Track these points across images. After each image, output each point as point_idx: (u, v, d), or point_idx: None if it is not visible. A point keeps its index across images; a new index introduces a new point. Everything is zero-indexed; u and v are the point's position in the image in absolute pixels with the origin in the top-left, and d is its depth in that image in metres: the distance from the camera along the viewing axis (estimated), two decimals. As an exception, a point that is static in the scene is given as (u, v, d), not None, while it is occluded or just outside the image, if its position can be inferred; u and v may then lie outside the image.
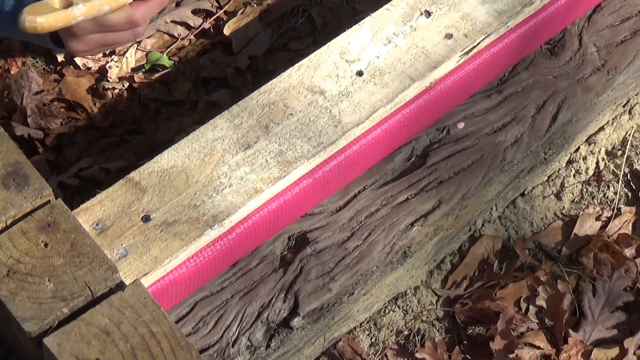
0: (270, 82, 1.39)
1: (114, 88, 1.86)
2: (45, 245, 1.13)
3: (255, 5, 2.00)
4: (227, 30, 1.95)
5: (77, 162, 1.73)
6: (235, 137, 1.33)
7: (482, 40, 1.46)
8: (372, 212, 1.45)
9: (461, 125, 1.56)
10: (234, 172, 1.29)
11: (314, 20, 1.97)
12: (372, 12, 1.49)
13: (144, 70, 1.91)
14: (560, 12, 1.60)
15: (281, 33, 1.97)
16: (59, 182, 1.68)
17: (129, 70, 1.90)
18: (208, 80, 1.89)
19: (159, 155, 1.30)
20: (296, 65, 1.41)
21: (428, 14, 1.48)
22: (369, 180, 1.48)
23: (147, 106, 1.85)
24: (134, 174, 1.28)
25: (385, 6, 1.49)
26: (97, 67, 1.90)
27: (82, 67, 1.89)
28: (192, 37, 1.96)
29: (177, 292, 1.26)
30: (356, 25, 1.46)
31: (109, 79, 1.88)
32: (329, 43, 1.44)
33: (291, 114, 1.35)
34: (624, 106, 1.81)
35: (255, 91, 1.39)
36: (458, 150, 1.53)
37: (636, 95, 1.81)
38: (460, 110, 1.57)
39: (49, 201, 1.17)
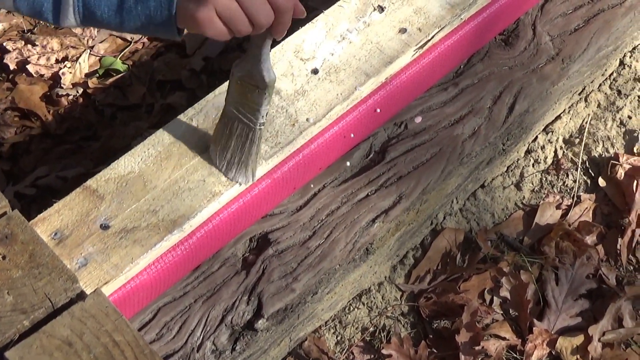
0: (225, 83, 1.39)
1: (68, 94, 1.85)
2: (3, 257, 1.12)
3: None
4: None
5: (33, 171, 1.72)
6: (192, 140, 1.33)
7: (437, 33, 1.48)
8: (333, 210, 1.46)
9: (419, 119, 1.56)
10: (191, 176, 1.29)
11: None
12: (325, 9, 1.50)
13: (97, 75, 1.90)
14: (513, 2, 1.62)
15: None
16: (15, 192, 1.67)
17: (83, 76, 1.89)
18: (163, 83, 1.88)
19: (116, 161, 1.30)
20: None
21: (381, 9, 1.49)
22: (329, 178, 1.48)
23: (102, 111, 1.85)
24: (91, 182, 1.28)
25: (338, 3, 1.50)
26: (50, 74, 1.89)
27: (34, 75, 1.88)
28: (145, 40, 1.96)
29: (139, 299, 1.26)
30: (310, 23, 1.47)
31: (62, 85, 1.87)
32: (283, 42, 1.44)
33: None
34: (579, 94, 1.83)
35: (210, 93, 1.39)
36: (416, 144, 1.54)
37: (591, 82, 1.83)
38: (417, 104, 1.58)
39: (5, 213, 1.16)
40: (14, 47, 1.90)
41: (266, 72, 1.20)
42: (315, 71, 1.41)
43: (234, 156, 1.28)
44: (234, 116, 1.25)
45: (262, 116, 1.24)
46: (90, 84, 1.87)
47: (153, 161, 1.30)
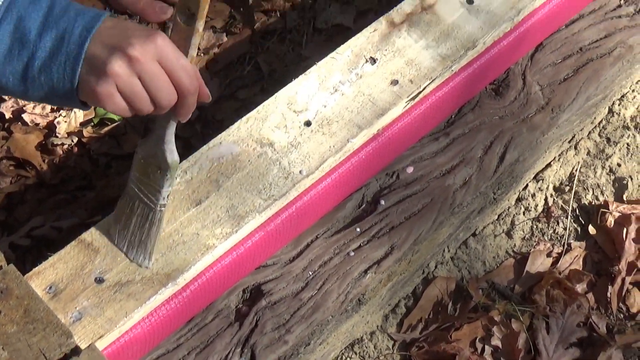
0: (219, 135, 1.41)
1: (63, 144, 1.86)
2: (-1, 312, 1.13)
3: (201, 54, 2.03)
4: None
5: (28, 221, 1.73)
6: (186, 193, 1.34)
7: (428, 85, 1.50)
8: (326, 261, 1.47)
9: (410, 169, 1.58)
10: (185, 229, 1.30)
11: (261, 68, 2.00)
12: (318, 59, 1.52)
13: (92, 124, 1.92)
14: (503, 53, 1.64)
15: (229, 82, 1.99)
16: (10, 243, 1.68)
17: (78, 125, 1.91)
18: (157, 132, 1.90)
19: (111, 214, 1.31)
20: (244, 118, 1.43)
21: (373, 61, 1.51)
22: (321, 229, 1.50)
23: (97, 161, 1.86)
24: (86, 235, 1.29)
25: (331, 54, 1.52)
26: (46, 123, 1.90)
27: (30, 124, 1.90)
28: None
29: (133, 352, 1.26)
30: (303, 74, 1.49)
31: (57, 134, 1.88)
32: (276, 94, 1.46)
33: (241, 168, 1.37)
34: (569, 142, 1.85)
35: (204, 145, 1.40)
36: (408, 194, 1.56)
37: (581, 130, 1.85)
38: (408, 154, 1.60)
39: (0, 267, 1.17)
40: (9, 96, 1.91)
41: (169, 153, 1.18)
42: (308, 123, 1.43)
43: (134, 236, 1.26)
44: (135, 195, 1.24)
45: (163, 197, 1.22)
46: (85, 133, 1.88)
47: (147, 213, 1.31)
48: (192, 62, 1.11)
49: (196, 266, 1.27)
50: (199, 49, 2.03)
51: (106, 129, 1.91)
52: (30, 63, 1.04)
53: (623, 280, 1.72)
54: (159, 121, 1.16)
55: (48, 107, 1.91)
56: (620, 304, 1.72)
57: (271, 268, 1.44)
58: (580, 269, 1.75)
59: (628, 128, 1.90)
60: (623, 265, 1.74)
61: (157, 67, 1.05)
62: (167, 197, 1.23)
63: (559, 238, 1.80)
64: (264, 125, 1.42)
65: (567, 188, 1.84)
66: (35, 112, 1.89)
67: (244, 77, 2.00)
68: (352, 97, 1.46)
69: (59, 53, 1.04)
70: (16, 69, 1.05)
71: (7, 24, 1.03)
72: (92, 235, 1.28)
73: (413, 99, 1.48)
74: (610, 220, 1.79)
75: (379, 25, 1.55)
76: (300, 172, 1.37)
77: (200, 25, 1.10)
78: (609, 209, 1.80)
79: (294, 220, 1.40)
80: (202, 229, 1.30)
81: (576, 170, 1.86)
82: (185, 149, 1.80)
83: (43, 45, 1.04)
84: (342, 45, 1.52)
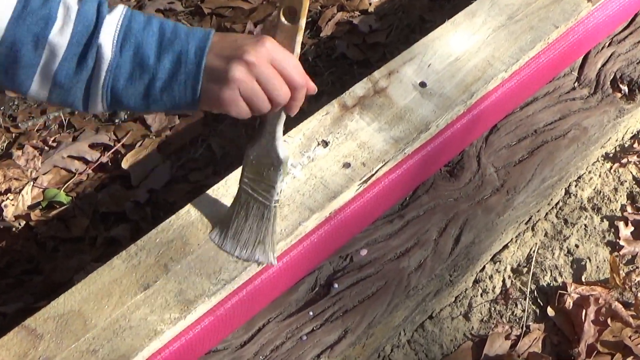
0: (169, 219, 1.44)
1: (10, 227, 1.88)
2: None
3: (153, 137, 2.07)
4: (125, 164, 2.00)
5: (-27, 306, 1.74)
6: (134, 277, 1.36)
7: (381, 167, 1.54)
8: (278, 345, 1.49)
9: (364, 252, 1.62)
10: (133, 314, 1.32)
11: (214, 150, 2.04)
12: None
13: (40, 207, 1.94)
14: (457, 135, 1.69)
15: (181, 164, 2.02)
16: (-48, 329, 1.68)
17: (25, 208, 1.93)
18: (107, 215, 1.92)
19: (56, 300, 1.33)
20: (195, 201, 1.46)
21: (325, 143, 1.56)
22: (273, 312, 1.52)
23: (44, 244, 1.87)
24: (30, 321, 1.30)
25: (283, 138, 1.57)
26: (-8, 206, 1.92)
27: (-25, 207, 1.92)
28: (89, 171, 2.01)
29: None
30: (254, 157, 1.53)
31: (4, 218, 1.90)
32: (227, 177, 1.50)
33: (191, 251, 1.40)
34: (526, 223, 1.89)
35: (154, 229, 1.43)
36: (362, 277, 1.59)
37: (537, 212, 1.90)
38: (362, 237, 1.63)
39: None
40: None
41: (281, 149, 1.29)
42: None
43: (251, 236, 1.36)
44: (249, 196, 1.34)
45: (277, 193, 1.32)
46: (32, 216, 1.90)
47: (94, 299, 1.33)
48: (298, 58, 1.22)
49: (143, 352, 1.29)
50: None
51: (54, 212, 1.93)
52: (152, 84, 1.16)
53: (582, 363, 1.75)
54: (270, 119, 1.27)
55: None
56: (580, 388, 1.75)
57: (222, 353, 1.46)
58: (540, 351, 1.78)
59: (585, 209, 1.95)
60: (582, 347, 1.77)
61: (271, 68, 1.18)
62: (281, 192, 1.33)
63: (517, 320, 1.83)
64: (214, 208, 1.45)
65: (525, 269, 1.88)
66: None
67: (197, 159, 2.03)
68: (304, 180, 1.50)
69: (178, 73, 1.16)
70: (138, 90, 1.16)
71: (127, 50, 1.14)
72: (36, 321, 1.30)
73: (365, 181, 1.52)
74: (569, 302, 1.83)
75: (332, 108, 1.61)
76: (282, 229, 1.40)
77: (303, 22, 1.21)
78: (567, 291, 1.84)
79: (244, 304, 1.42)
80: (150, 314, 1.32)
81: (534, 252, 1.90)
82: (134, 232, 1.83)
83: (162, 67, 1.15)
84: (294, 129, 1.57)
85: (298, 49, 1.22)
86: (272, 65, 1.18)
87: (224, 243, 1.38)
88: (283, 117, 1.27)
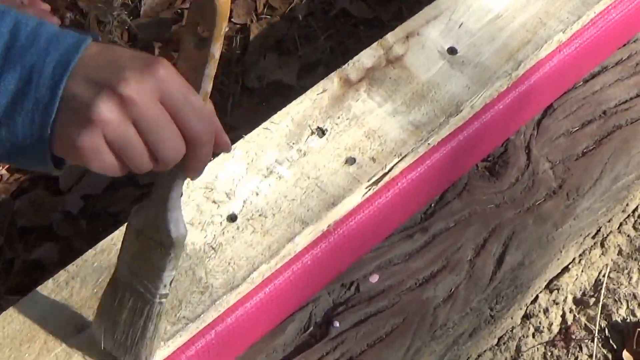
0: (111, 236, 1.43)
1: None
2: None
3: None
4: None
5: None
6: (65, 315, 1.35)
7: (396, 164, 1.53)
8: (259, 406, 1.49)
9: (375, 278, 1.61)
10: (64, 364, 1.31)
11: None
12: (247, 131, 1.55)
13: None
14: (498, 119, 1.69)
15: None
16: None
17: None
18: (27, 230, 1.91)
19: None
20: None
21: (322, 132, 1.55)
22: (254, 361, 1.52)
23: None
24: None
25: (264, 124, 1.55)
26: None
27: None
28: (3, 171, 1.99)
29: None
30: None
31: None
32: (188, 178, 1.49)
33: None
34: (593, 237, 1.89)
35: (90, 250, 1.42)
36: (372, 313, 1.58)
37: (608, 222, 1.89)
38: (372, 258, 1.63)
39: None
40: None
41: (173, 224, 1.18)
42: (232, 218, 1.45)
43: (125, 336, 1.27)
44: (126, 282, 1.24)
45: (165, 285, 1.22)
46: None
47: (10, 345, 1.32)
48: (205, 100, 1.09)
49: (77, 418, 1.28)
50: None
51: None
52: None
53: None
54: (160, 181, 1.16)
55: None
56: None
57: (183, 418, 1.45)
58: (612, 411, 1.78)
59: (673, 217, 1.95)
60: (669, 405, 1.77)
61: (158, 109, 1.03)
62: (170, 284, 1.22)
63: (582, 369, 1.83)
64: (172, 220, 1.45)
65: (592, 300, 1.88)
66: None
67: (148, 154, 2.03)
68: (293, 181, 1.49)
69: (24, 99, 1.02)
70: None
71: None
72: None
73: (376, 183, 1.52)
74: (652, 344, 1.83)
75: (330, 84, 1.60)
76: (221, 284, 1.40)
77: (216, 49, 1.07)
78: (649, 329, 1.84)
79: (213, 350, 1.41)
80: (87, 365, 1.32)
81: (604, 276, 1.89)
82: (65, 253, 1.82)
83: (3, 89, 1.02)
84: (279, 112, 1.57)
85: (208, 85, 1.09)
86: (163, 104, 1.03)
87: (101, 338, 1.29)
88: (181, 179, 1.16)
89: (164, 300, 1.24)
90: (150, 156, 1.04)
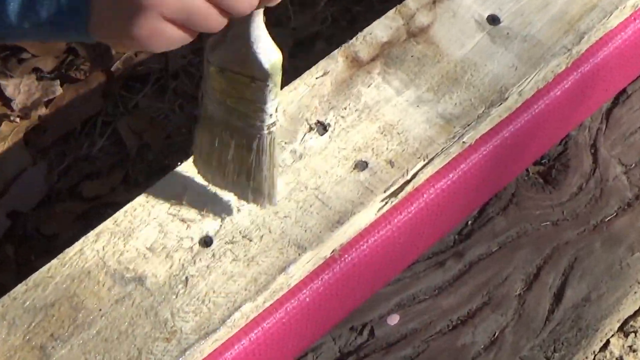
0: (47, 266, 1.44)
1: None
2: None
3: (16, 118, 2.07)
4: (-35, 168, 2.01)
5: None
6: (-13, 370, 1.37)
7: (421, 169, 1.54)
8: None
9: (394, 319, 1.62)
10: None
11: (124, 141, 2.05)
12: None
13: None
14: (556, 109, 1.69)
15: (66, 167, 2.03)
16: None
17: None
18: None
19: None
20: (92, 234, 1.47)
21: (323, 128, 1.56)
22: None
23: None
24: None
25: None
26: None
27: None
28: None
29: None
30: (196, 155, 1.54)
31: None
32: (149, 189, 1.50)
33: (87, 323, 1.40)
34: (680, 264, 1.91)
35: (21, 284, 1.43)
36: (392, 365, 1.60)
37: (700, 243, 1.91)
38: (391, 292, 1.64)
39: None
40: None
41: (263, 54, 1.26)
42: (206, 241, 1.46)
43: (238, 175, 1.41)
44: (222, 121, 1.36)
45: (270, 115, 1.32)
46: None
47: None
48: None
49: None
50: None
51: None
52: None
53: None
54: (237, 21, 1.24)
55: None
56: None
57: None
58: None
59: None
60: None
61: None
62: (276, 110, 1.33)
63: None
64: (127, 245, 1.46)
65: (681, 346, 1.89)
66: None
67: (94, 157, 2.04)
68: (285, 192, 1.50)
69: None
70: None
71: None
72: None
73: (395, 194, 1.53)
74: None
75: (333, 64, 1.61)
76: (192, 330, 1.41)
77: None
78: None
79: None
80: None
81: (695, 315, 1.91)
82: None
83: None
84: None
85: None
86: None
87: (212, 179, 1.45)
88: (260, 10, 1.24)
89: (273, 129, 1.35)
90: (221, 12, 1.14)
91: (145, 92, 2.12)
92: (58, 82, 2.16)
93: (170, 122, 2.06)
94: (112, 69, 2.15)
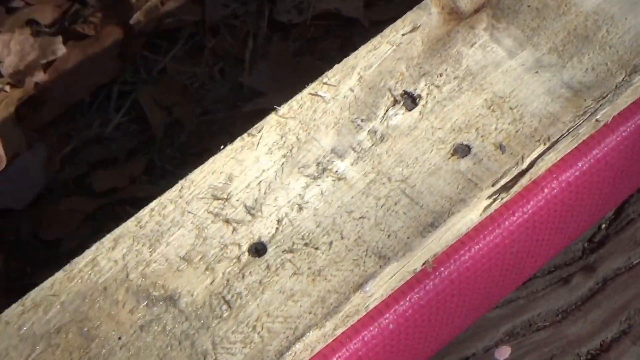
0: (50, 281, 1.45)
1: None
2: None
3: (6, 87, 2.08)
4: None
5: None
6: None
7: (541, 155, 1.54)
8: None
9: (505, 352, 1.62)
10: None
11: (147, 117, 2.05)
12: (279, 98, 1.57)
13: None
14: None
15: (72, 152, 2.04)
16: None
17: None
18: None
19: None
20: (108, 239, 1.48)
21: (412, 101, 1.56)
22: None
23: None
24: None
25: (311, 88, 1.57)
26: None
27: None
28: None
29: None
30: (245, 134, 1.54)
31: None
32: (181, 182, 1.52)
33: (103, 356, 1.41)
34: None
35: (16, 304, 1.44)
36: (501, 412, 1.60)
37: None
38: (500, 317, 1.64)
39: None
40: None
41: None
42: (258, 250, 1.47)
43: None
44: None
45: None
46: None
47: None
48: None
49: None
50: None
51: None
52: None
53: None
54: None
55: None
56: None
57: None
58: None
59: None
60: None
61: None
62: None
63: None
64: (154, 254, 1.47)
65: None
66: None
67: (108, 139, 2.05)
68: (362, 186, 1.51)
69: None
70: None
71: None
72: None
73: (507, 189, 1.53)
74: None
75: (425, 17, 1.62)
76: (241, 365, 1.42)
77: None
78: None
79: None
80: None
81: None
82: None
83: None
84: (337, 66, 1.59)
85: None
86: None
87: None
88: None
89: None
90: None
91: (175, 53, 2.13)
92: (60, 38, 2.17)
93: (208, 93, 2.07)
94: (131, 21, 2.16)
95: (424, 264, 1.50)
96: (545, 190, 1.57)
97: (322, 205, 1.49)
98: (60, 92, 2.10)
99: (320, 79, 1.57)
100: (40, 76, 2.10)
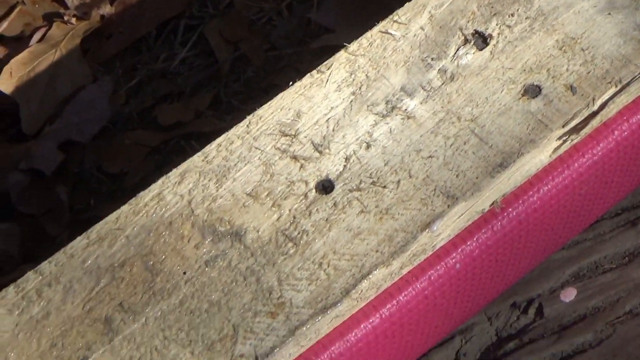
0: (115, 213, 1.45)
1: None
2: None
3: (72, 19, 2.08)
4: (5, 83, 2.01)
5: None
6: (35, 344, 1.38)
7: (612, 97, 1.53)
8: None
9: (570, 294, 1.62)
10: None
11: (213, 51, 2.05)
12: (348, 36, 1.56)
13: None
14: None
15: (137, 85, 2.04)
16: None
17: None
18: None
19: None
20: (174, 173, 1.48)
21: (483, 40, 1.56)
22: None
23: None
24: None
25: (381, 26, 1.56)
26: None
27: None
28: None
29: None
30: (314, 71, 1.53)
31: None
32: (250, 116, 1.51)
33: (167, 290, 1.41)
34: None
35: (81, 237, 1.45)
36: (566, 355, 1.59)
37: None
38: (566, 259, 1.63)
39: None
40: None
41: None
42: (326, 187, 1.47)
43: None
44: None
45: None
46: None
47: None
48: None
49: None
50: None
51: None
52: None
53: None
54: None
55: None
56: None
57: None
58: None
59: None
60: None
61: None
62: None
63: None
64: (220, 189, 1.47)
65: None
66: None
67: (173, 73, 2.05)
68: (431, 125, 1.51)
69: None
70: None
71: None
72: None
73: (577, 130, 1.52)
74: None
75: (497, -46, 1.61)
76: (305, 303, 1.41)
77: None
78: None
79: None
80: None
81: None
82: (32, 243, 1.85)
83: None
84: (408, 3, 1.58)
85: None
86: None
87: None
88: None
89: None
90: None
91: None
92: (124, -28, 2.16)
93: (275, 28, 2.07)
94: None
95: (492, 204, 1.50)
96: (616, 132, 1.57)
97: (391, 144, 1.49)
98: (126, 26, 2.10)
99: (390, 17, 1.56)
100: (106, 9, 2.10)
